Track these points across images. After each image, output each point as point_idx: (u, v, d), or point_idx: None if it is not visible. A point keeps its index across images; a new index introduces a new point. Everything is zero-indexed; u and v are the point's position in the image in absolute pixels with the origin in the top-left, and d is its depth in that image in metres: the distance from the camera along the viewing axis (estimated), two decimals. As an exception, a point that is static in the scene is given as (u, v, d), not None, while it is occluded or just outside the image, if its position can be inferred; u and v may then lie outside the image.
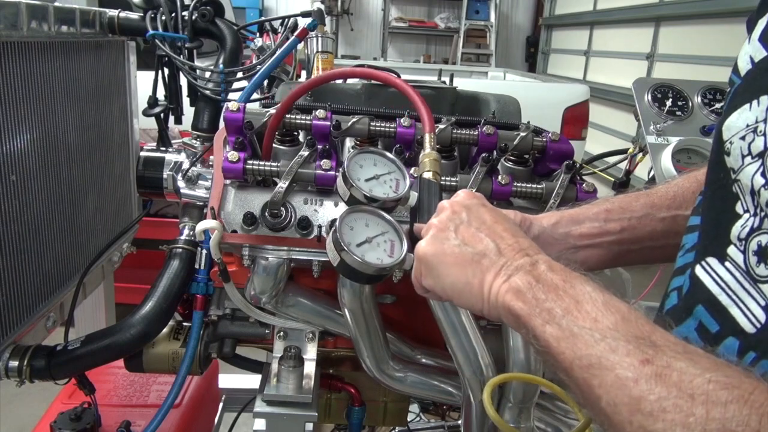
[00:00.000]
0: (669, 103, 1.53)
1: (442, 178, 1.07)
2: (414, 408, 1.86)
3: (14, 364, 1.09)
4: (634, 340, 0.50)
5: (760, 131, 0.55)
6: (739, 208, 0.58)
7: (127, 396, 1.54)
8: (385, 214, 0.87)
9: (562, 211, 0.86)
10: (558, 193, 1.07)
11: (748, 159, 0.56)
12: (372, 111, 1.14)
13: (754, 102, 0.57)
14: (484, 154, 1.07)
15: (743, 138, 0.57)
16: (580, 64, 7.91)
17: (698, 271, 0.62)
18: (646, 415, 0.45)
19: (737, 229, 0.57)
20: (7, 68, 1.03)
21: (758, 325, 0.53)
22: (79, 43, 1.27)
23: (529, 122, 1.17)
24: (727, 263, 0.58)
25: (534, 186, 1.09)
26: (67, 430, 1.32)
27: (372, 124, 1.11)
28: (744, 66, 0.63)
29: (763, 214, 0.54)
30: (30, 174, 1.12)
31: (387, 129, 1.10)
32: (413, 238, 0.83)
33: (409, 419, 1.71)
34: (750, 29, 0.64)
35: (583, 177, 1.17)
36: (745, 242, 0.56)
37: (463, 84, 1.54)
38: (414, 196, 0.89)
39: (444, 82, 1.61)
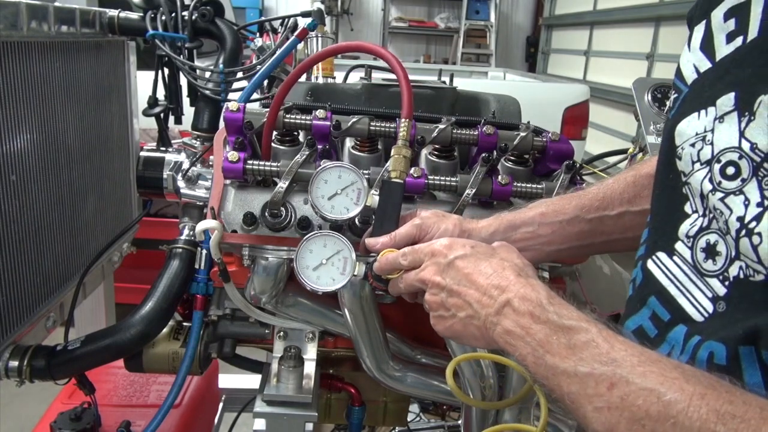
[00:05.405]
0: (669, 103, 1.52)
1: (442, 178, 1.07)
2: (414, 408, 1.86)
3: (14, 364, 1.09)
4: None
5: (708, 140, 0.61)
6: (687, 208, 0.64)
7: (127, 396, 1.54)
8: (337, 235, 0.94)
9: (501, 217, 0.94)
10: (558, 192, 1.07)
11: (697, 165, 0.62)
12: (372, 111, 1.14)
13: (702, 112, 0.62)
14: (484, 154, 1.07)
15: (693, 145, 0.63)
16: (580, 64, 7.91)
17: (650, 264, 0.68)
18: None
19: (686, 227, 0.63)
20: (7, 68, 1.03)
21: (706, 315, 0.59)
22: (79, 43, 1.27)
23: (529, 122, 1.17)
24: (675, 257, 0.65)
25: (534, 186, 1.09)
26: (67, 430, 1.32)
27: (372, 124, 1.11)
28: (689, 74, 0.68)
29: (711, 215, 0.60)
30: (30, 174, 1.12)
31: (387, 129, 1.10)
32: (366, 247, 0.92)
33: (409, 419, 1.71)
34: (690, 29, 0.69)
35: (583, 177, 1.17)
36: (693, 239, 0.62)
37: (463, 84, 1.54)
38: (376, 199, 0.95)
39: (444, 82, 1.61)
